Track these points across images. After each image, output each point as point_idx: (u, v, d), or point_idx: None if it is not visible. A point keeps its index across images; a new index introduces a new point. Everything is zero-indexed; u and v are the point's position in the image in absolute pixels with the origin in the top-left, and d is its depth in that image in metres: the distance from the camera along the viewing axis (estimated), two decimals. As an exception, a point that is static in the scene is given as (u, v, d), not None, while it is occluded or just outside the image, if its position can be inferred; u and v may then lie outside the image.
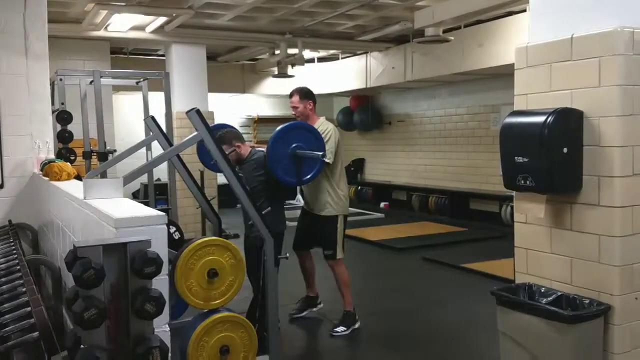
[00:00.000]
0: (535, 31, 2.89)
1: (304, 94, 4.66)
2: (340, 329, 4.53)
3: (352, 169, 12.97)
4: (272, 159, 4.07)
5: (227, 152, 4.34)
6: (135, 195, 10.87)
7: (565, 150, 2.56)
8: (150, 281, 1.87)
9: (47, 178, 4.22)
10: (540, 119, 2.57)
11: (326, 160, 4.24)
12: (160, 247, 2.08)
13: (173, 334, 3.76)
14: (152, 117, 4.30)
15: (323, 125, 4.59)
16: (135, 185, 10.52)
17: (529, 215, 2.84)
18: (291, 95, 4.70)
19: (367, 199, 12.13)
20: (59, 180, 4.06)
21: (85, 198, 2.65)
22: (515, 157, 2.66)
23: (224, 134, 4.46)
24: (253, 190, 4.35)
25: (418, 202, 10.88)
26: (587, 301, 2.61)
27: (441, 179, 10.86)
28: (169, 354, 1.87)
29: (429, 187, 10.84)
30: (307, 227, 4.79)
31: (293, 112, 4.72)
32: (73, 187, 3.36)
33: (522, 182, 2.65)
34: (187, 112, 3.43)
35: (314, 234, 4.69)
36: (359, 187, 12.52)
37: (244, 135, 13.25)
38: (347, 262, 4.65)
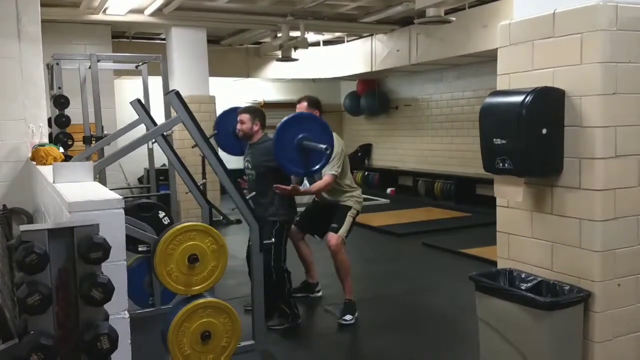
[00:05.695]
0: (519, 7, 2.79)
1: (313, 102, 4.69)
2: (348, 317, 4.47)
3: (359, 154, 12.86)
4: (278, 148, 4.01)
5: (245, 122, 4.42)
6: (140, 181, 10.89)
7: (544, 131, 2.47)
8: (99, 267, 1.82)
9: (35, 162, 4.19)
10: (519, 98, 2.47)
11: (333, 173, 4.38)
12: (116, 232, 2.04)
13: (158, 320, 3.75)
14: (138, 100, 4.27)
15: None
16: (140, 171, 10.51)
17: (507, 199, 2.75)
18: (299, 101, 4.74)
19: (374, 185, 12.03)
20: (45, 164, 4.03)
21: (54, 182, 2.61)
22: (494, 139, 2.57)
23: (255, 107, 4.62)
24: (259, 175, 4.38)
25: (424, 188, 10.76)
26: (567, 287, 2.53)
27: (448, 164, 10.72)
28: (119, 341, 1.82)
29: (435, 173, 10.71)
30: (316, 211, 4.80)
31: None
32: (51, 172, 3.32)
33: (501, 164, 2.56)
34: (165, 94, 3.39)
35: (320, 218, 4.66)
36: (366, 173, 12.41)
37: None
38: (347, 247, 4.59)
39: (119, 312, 2.11)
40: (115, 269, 2.02)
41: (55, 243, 1.78)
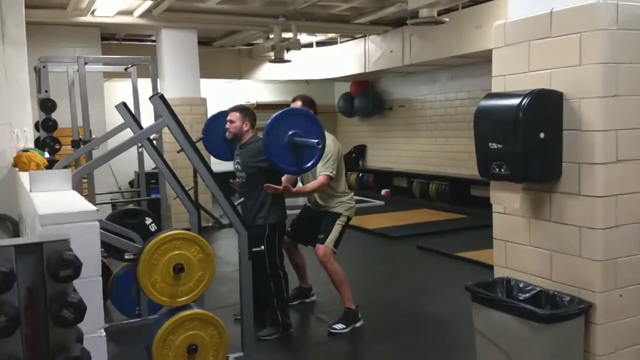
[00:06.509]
0: (515, 7, 2.69)
1: (307, 101, 4.57)
2: (339, 326, 4.33)
3: (353, 155, 12.75)
4: (269, 145, 3.85)
5: (234, 122, 4.34)
6: (132, 184, 10.76)
7: (542, 135, 2.37)
8: (70, 285, 1.70)
9: (17, 168, 4.06)
10: (515, 101, 2.36)
11: (328, 174, 4.27)
12: (90, 246, 1.92)
13: (144, 330, 3.63)
14: (124, 104, 4.15)
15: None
16: (132, 173, 10.38)
17: (504, 205, 2.64)
18: (294, 100, 4.63)
19: (368, 186, 11.92)
20: (27, 170, 3.90)
21: (30, 191, 2.49)
22: (490, 143, 2.46)
23: (245, 107, 4.57)
24: (249, 176, 4.27)
25: (419, 189, 10.66)
26: (567, 298, 2.42)
27: (442, 165, 10.63)
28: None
29: (429, 174, 10.62)
30: (307, 219, 4.67)
31: None
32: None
33: (497, 170, 2.45)
34: (150, 98, 3.26)
35: (312, 227, 4.53)
36: (360, 174, 12.31)
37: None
38: (340, 250, 4.49)
39: (94, 330, 1.99)
40: (90, 285, 1.90)
41: (23, 260, 1.65)
